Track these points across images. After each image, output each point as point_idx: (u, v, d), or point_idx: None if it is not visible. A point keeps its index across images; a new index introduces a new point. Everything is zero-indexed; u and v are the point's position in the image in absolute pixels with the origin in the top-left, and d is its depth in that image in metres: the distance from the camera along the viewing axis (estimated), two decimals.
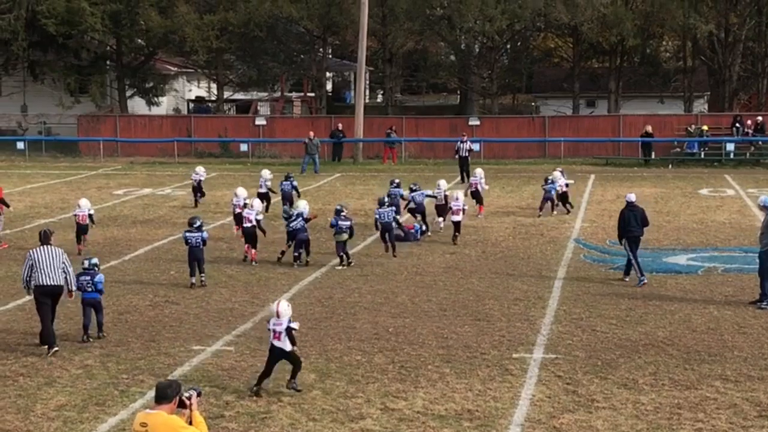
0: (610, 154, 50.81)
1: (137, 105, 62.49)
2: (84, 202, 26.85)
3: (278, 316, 14.36)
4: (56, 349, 16.45)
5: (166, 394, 9.44)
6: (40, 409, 13.60)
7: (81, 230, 26.11)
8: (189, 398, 9.51)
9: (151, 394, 13.66)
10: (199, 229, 21.62)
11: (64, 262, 17.10)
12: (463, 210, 27.38)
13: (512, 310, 19.09)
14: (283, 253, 24.17)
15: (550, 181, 31.62)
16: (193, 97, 69.50)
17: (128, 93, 60.91)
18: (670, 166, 47.47)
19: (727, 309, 19.20)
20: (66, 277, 17.05)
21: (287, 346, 14.27)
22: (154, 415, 9.33)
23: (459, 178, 41.18)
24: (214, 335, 17.27)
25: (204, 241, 21.59)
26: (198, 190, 34.65)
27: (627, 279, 22.00)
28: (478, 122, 53.53)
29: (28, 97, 62.20)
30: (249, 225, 24.45)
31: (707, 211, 32.24)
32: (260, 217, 24.75)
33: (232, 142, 53.09)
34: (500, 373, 15.07)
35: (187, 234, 21.56)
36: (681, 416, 13.30)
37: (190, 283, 21.46)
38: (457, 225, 26.97)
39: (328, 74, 69.29)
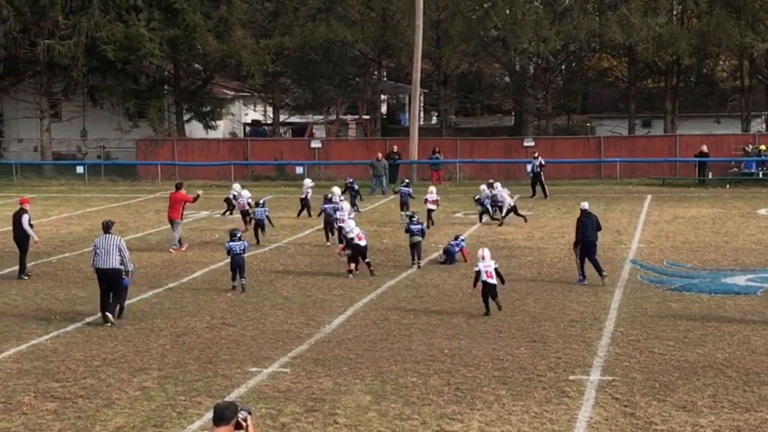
0: (667, 175, 50.48)
1: (194, 129, 63.12)
2: (245, 192, 34.44)
3: (484, 258, 20.41)
4: (108, 324, 19.71)
5: (225, 416, 9.46)
6: (99, 430, 13.74)
7: (243, 214, 33.64)
8: (245, 420, 9.56)
9: (209, 415, 13.78)
10: (240, 238, 23.84)
11: (120, 248, 20.23)
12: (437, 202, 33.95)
13: (568, 332, 18.99)
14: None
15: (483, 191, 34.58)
16: (249, 121, 70.05)
17: (185, 117, 61.54)
18: (727, 186, 47.03)
19: None
20: (122, 261, 20.20)
21: (495, 282, 20.32)
22: None
23: (531, 194, 43.46)
24: (270, 357, 17.36)
25: (245, 249, 23.74)
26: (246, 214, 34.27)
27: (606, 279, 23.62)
28: (532, 143, 53.39)
29: (88, 121, 63.11)
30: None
31: (766, 232, 31.88)
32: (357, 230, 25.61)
33: (287, 165, 53.43)
34: (557, 395, 14.99)
35: (231, 244, 23.62)
36: None
37: (232, 286, 23.49)
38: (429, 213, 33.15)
39: (382, 97, 69.52)
